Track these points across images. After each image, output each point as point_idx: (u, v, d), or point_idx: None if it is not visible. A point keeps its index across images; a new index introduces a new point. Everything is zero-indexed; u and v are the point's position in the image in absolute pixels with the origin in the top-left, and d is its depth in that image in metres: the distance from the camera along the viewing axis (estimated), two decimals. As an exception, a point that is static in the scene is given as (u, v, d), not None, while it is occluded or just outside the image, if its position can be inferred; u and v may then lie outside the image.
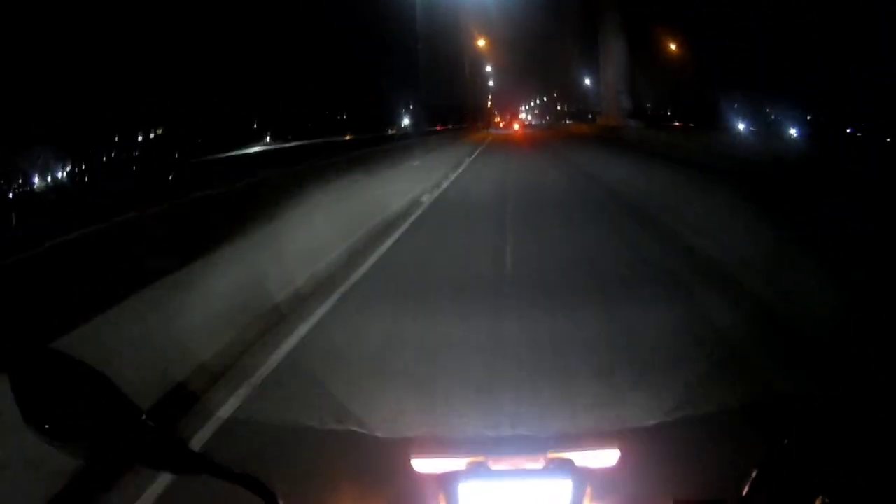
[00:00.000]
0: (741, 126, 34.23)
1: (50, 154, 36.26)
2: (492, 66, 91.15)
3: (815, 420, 0.96)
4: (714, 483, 2.69)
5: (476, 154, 30.67)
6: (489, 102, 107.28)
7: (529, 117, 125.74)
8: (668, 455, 3.14)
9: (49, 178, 37.35)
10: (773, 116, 38.58)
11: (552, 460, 1.09)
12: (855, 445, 0.94)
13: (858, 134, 27.09)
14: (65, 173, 39.29)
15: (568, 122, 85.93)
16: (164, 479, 3.23)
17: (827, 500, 0.86)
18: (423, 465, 1.15)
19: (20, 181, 34.74)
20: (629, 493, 1.25)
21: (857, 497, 0.86)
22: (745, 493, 0.96)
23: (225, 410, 4.08)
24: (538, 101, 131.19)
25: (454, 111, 61.53)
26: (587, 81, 75.12)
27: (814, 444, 0.97)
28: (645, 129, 37.29)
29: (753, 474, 0.97)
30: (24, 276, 5.41)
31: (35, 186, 35.84)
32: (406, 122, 42.98)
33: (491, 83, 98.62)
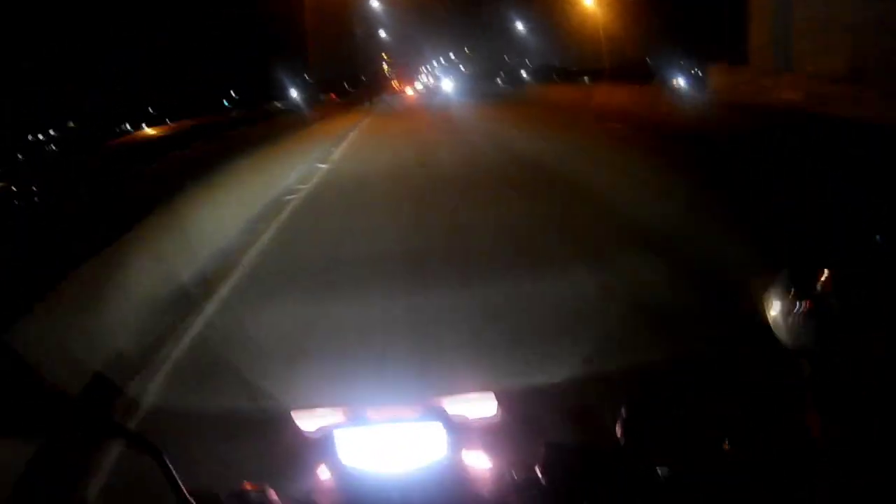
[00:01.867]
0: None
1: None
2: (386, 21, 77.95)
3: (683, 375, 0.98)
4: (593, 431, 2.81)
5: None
6: (385, 65, 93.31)
7: (436, 81, 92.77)
8: (544, 405, 3.27)
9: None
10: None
11: (426, 407, 1.12)
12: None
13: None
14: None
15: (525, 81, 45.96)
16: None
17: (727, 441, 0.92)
18: (303, 420, 1.15)
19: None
20: (503, 439, 1.30)
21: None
22: (619, 436, 1.01)
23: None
24: (452, 57, 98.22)
25: (351, 79, 58.64)
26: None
27: (684, 394, 1.03)
28: None
29: (623, 413, 1.01)
30: None
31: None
32: (294, 94, 40.44)
33: (383, 34, 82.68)
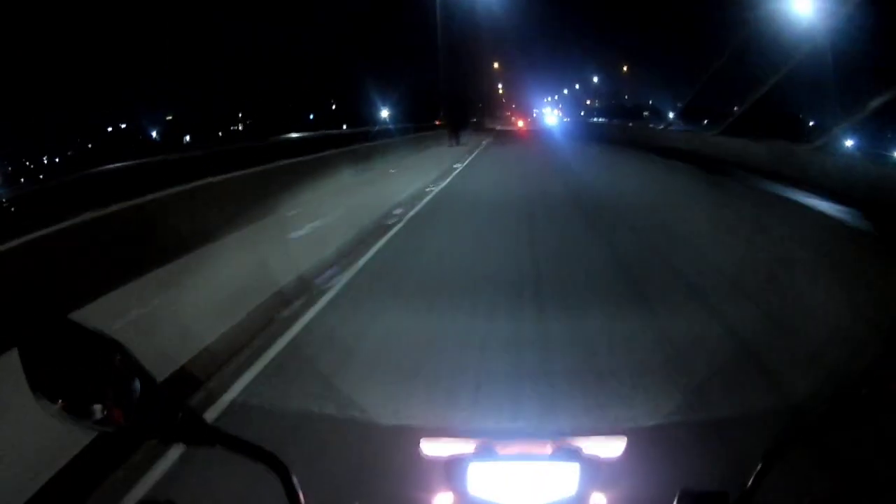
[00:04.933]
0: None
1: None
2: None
3: (817, 422, 0.94)
4: (718, 476, 2.71)
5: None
6: (499, 90, 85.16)
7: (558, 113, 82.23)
8: (673, 448, 3.16)
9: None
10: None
11: (560, 446, 1.10)
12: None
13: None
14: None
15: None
16: (174, 453, 3.30)
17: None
18: (431, 447, 1.16)
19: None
20: (635, 482, 1.26)
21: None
22: (748, 485, 0.96)
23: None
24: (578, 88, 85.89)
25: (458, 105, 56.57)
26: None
27: (816, 443, 0.97)
28: None
29: (758, 467, 0.97)
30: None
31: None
32: (385, 115, 38.41)
33: (495, 65, 75.97)
